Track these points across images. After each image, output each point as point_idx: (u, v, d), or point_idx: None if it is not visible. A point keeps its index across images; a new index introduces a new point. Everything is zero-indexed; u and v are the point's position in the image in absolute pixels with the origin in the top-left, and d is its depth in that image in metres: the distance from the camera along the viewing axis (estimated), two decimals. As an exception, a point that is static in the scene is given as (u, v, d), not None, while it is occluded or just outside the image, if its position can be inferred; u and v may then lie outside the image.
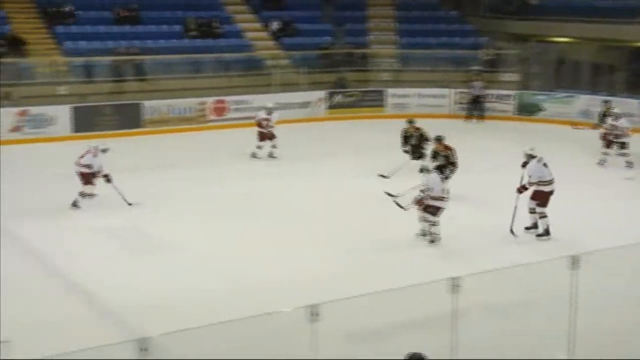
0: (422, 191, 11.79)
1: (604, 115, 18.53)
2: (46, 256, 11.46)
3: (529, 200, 12.38)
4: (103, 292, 10.04)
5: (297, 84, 23.72)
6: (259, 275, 10.65)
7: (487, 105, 23.47)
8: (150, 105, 21.28)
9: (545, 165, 12.37)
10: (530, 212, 12.41)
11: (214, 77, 23.20)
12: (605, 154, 17.16)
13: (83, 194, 13.92)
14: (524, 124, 22.53)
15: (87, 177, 13.89)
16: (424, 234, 11.97)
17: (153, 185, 15.48)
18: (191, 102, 21.76)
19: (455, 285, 7.22)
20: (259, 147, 17.96)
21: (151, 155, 18.44)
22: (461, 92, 23.69)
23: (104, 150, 14.16)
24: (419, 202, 11.78)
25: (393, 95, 24.12)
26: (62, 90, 21.30)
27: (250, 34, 25.10)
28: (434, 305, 8.01)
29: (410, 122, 16.40)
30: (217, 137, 18.84)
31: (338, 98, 23.78)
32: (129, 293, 10.02)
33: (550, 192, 12.33)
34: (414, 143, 16.00)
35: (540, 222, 12.33)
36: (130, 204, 13.99)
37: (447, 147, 14.18)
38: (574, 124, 19.83)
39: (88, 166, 13.89)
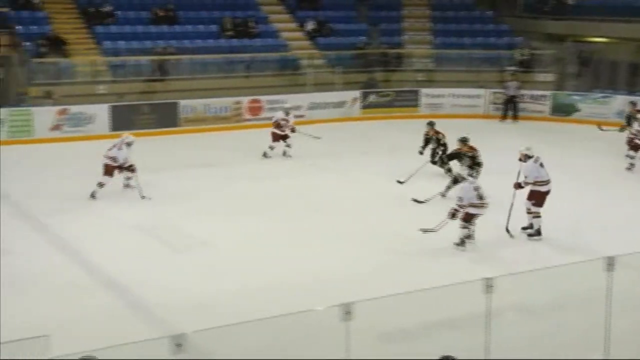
0: (459, 205, 11.70)
1: (630, 118, 18.16)
2: (82, 252, 11.58)
3: (526, 201, 12.38)
4: (138, 289, 10.17)
5: (331, 83, 23.79)
6: (292, 273, 10.71)
7: (522, 105, 23.32)
8: (187, 105, 21.44)
9: (542, 165, 12.38)
10: (528, 212, 12.41)
11: (250, 77, 23.35)
12: (632, 157, 16.71)
13: (101, 185, 14.38)
14: (559, 124, 22.38)
15: (109, 169, 14.40)
16: (459, 244, 11.82)
17: (188, 183, 15.66)
18: (227, 101, 21.90)
19: (489, 285, 7.20)
20: (271, 148, 18.05)
21: (187, 154, 18.59)
22: (496, 93, 23.58)
23: (129, 144, 14.60)
24: (453, 215, 11.70)
25: (427, 95, 24.08)
26: (101, 89, 21.55)
27: (285, 34, 25.21)
28: (468, 305, 7.96)
29: (431, 124, 16.34)
30: (252, 137, 18.98)
31: (372, 98, 23.80)
32: (163, 290, 10.14)
33: (547, 192, 12.35)
34: (433, 147, 16.05)
35: (533, 222, 12.36)
36: (143, 197, 14.35)
37: (472, 148, 14.21)
38: (599, 125, 19.36)
39: (113, 159, 14.41)
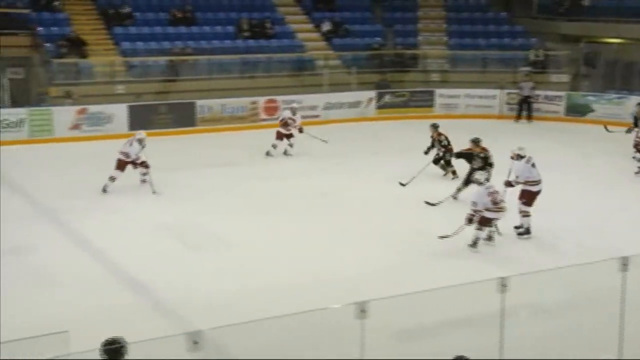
0: (473, 210, 11.68)
1: (637, 119, 18.11)
2: (102, 250, 11.70)
3: (517, 200, 12.46)
4: (156, 286, 10.29)
5: (347, 84, 23.96)
6: (308, 272, 10.78)
7: (537, 105, 23.36)
8: (204, 105, 21.65)
9: (533, 165, 12.45)
10: (519, 212, 12.51)
11: (266, 77, 23.55)
12: (639, 160, 16.45)
13: (112, 178, 14.81)
14: (574, 124, 22.41)
15: (121, 164, 14.85)
16: (472, 245, 11.80)
17: (205, 182, 15.80)
18: (243, 101, 22.08)
19: (503, 285, 7.20)
20: (274, 146, 18.28)
21: (204, 153, 18.75)
22: (510, 93, 23.65)
23: (140, 140, 15.00)
24: (469, 220, 11.68)
25: (442, 95, 24.19)
26: (120, 89, 21.80)
27: (301, 35, 25.40)
28: (482, 304, 8.02)
29: (434, 126, 16.39)
30: (268, 136, 19.12)
31: (387, 98, 23.94)
32: (181, 287, 10.25)
33: (537, 192, 12.44)
34: (437, 148, 16.12)
35: (522, 221, 12.42)
36: (154, 192, 14.74)
37: (484, 149, 14.24)
38: (606, 126, 19.13)
39: (125, 154, 14.85)
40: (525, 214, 12.42)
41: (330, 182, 15.92)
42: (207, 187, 15.40)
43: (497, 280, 7.19)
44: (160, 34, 23.78)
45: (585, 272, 9.00)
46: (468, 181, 13.86)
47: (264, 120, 22.24)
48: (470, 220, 11.64)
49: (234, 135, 20.56)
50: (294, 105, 19.06)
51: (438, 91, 24.27)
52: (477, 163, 13.97)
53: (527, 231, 12.39)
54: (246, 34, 24.56)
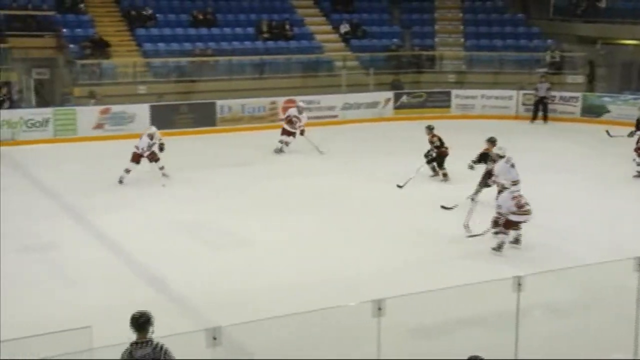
0: (498, 213, 11.61)
1: (639, 122, 18.02)
2: (125, 247, 11.83)
3: (495, 201, 12.41)
4: (176, 283, 10.37)
5: (365, 84, 24.21)
6: (324, 270, 10.85)
7: (553, 106, 23.44)
8: (224, 105, 21.88)
9: (512, 166, 12.46)
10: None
11: (285, 78, 23.83)
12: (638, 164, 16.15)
13: (127, 170, 15.49)
14: (589, 125, 22.39)
15: (135, 156, 15.62)
16: (496, 248, 11.62)
17: (225, 181, 15.99)
18: (263, 101, 22.28)
19: (518, 284, 7.24)
20: (282, 142, 18.66)
21: (224, 153, 18.91)
22: (526, 94, 23.78)
23: (150, 135, 15.71)
24: (495, 223, 11.60)
25: (458, 96, 24.37)
26: (142, 89, 22.12)
27: (320, 36, 25.68)
28: (497, 303, 8.10)
29: (429, 127, 16.36)
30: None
31: (404, 99, 24.14)
32: (201, 284, 10.34)
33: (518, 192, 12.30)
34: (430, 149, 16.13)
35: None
36: (163, 185, 15.38)
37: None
38: (607, 131, 18.77)
39: (137, 147, 15.63)
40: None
41: (345, 181, 16.00)
42: (224, 186, 15.57)
43: (512, 279, 7.27)
44: (182, 35, 24.09)
45: (599, 272, 9.10)
46: (485, 183, 13.79)
47: (283, 120, 22.40)
48: (496, 223, 11.57)
49: (253, 135, 20.67)
50: (301, 104, 19.32)
51: (455, 92, 24.45)
52: (493, 163, 13.75)
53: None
54: (266, 35, 24.84)
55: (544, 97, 23.32)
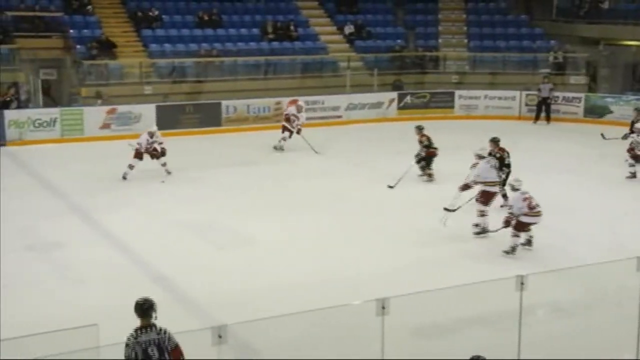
0: (510, 213, 11.61)
1: (633, 125, 17.75)
2: (131, 247, 11.89)
3: (475, 200, 12.60)
4: (182, 282, 10.43)
5: (369, 85, 24.34)
6: (327, 269, 10.91)
7: (556, 107, 23.51)
8: (230, 105, 21.97)
9: (493, 167, 12.57)
10: (477, 211, 12.58)
11: (290, 78, 23.99)
12: (632, 165, 16.18)
13: (130, 166, 15.93)
14: (592, 126, 22.36)
15: (137, 153, 16.03)
16: (509, 252, 11.59)
17: (231, 180, 16.08)
18: (268, 102, 22.36)
19: (521, 283, 7.25)
20: (284, 139, 18.97)
21: (229, 153, 19.01)
22: (529, 95, 23.85)
23: (150, 133, 16.23)
24: (507, 223, 11.57)
25: (462, 97, 24.46)
26: (148, 89, 22.24)
27: (325, 37, 25.83)
28: (500, 302, 8.18)
29: (419, 128, 16.45)
30: (296, 138, 19.40)
31: (408, 99, 24.23)
32: (206, 283, 10.38)
33: (496, 193, 12.60)
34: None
35: (479, 220, 12.47)
36: (162, 182, 15.82)
37: (502, 149, 14.01)
38: (602, 134, 18.60)
39: (138, 143, 16.09)
40: (482, 214, 12.45)
41: (349, 181, 16.09)
42: (229, 186, 15.66)
43: (515, 278, 7.28)
44: (188, 36, 24.25)
45: (602, 272, 9.19)
46: (503, 182, 13.76)
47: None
48: (507, 223, 11.55)
49: (258, 135, 20.71)
50: (300, 103, 19.49)
51: (458, 92, 24.56)
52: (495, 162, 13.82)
53: (484, 230, 12.40)
54: (271, 36, 24.98)
55: (547, 98, 23.36)
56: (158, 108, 21.07)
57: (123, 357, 6.41)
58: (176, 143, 18.88)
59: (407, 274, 10.69)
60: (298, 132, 18.98)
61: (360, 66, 25.17)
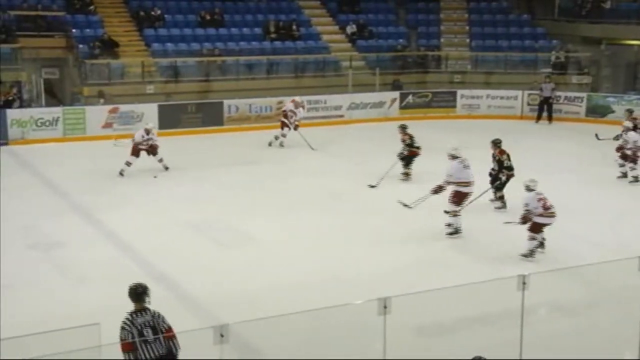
0: (527, 210, 11.40)
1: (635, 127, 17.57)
2: (133, 245, 11.91)
3: (448, 200, 12.54)
4: (184, 281, 10.46)
5: (371, 84, 24.34)
6: (330, 268, 10.91)
7: (558, 106, 23.52)
8: (232, 104, 21.98)
9: (466, 167, 12.51)
10: (449, 212, 12.56)
11: (292, 78, 24.02)
12: (622, 165, 16.20)
13: (128, 163, 16.09)
14: (594, 125, 22.39)
15: (133, 149, 16.22)
16: (527, 255, 11.43)
17: (233, 179, 16.09)
18: (270, 101, 22.34)
19: (523, 282, 7.26)
20: (283, 135, 19.21)
21: (231, 152, 19.04)
22: (531, 94, 23.87)
23: (147, 130, 16.40)
24: (524, 220, 11.43)
25: (464, 96, 24.47)
26: (150, 89, 22.26)
27: (327, 37, 25.86)
28: (502, 302, 8.17)
29: (402, 127, 16.45)
30: (294, 135, 19.51)
31: (410, 99, 24.23)
32: (209, 283, 10.39)
33: (468, 194, 12.50)
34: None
35: (451, 220, 12.43)
36: (155, 177, 16.01)
37: (502, 152, 13.93)
38: (597, 134, 18.59)
39: (133, 139, 16.32)
40: (455, 214, 12.43)
41: (350, 181, 16.07)
42: (231, 185, 15.68)
43: (517, 278, 7.30)
44: (190, 35, 24.28)
45: (604, 272, 9.25)
46: (497, 186, 13.89)
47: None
48: (524, 220, 11.42)
49: (260, 135, 20.69)
50: (297, 98, 19.67)
51: (460, 92, 24.57)
52: (495, 165, 14.00)
53: (457, 231, 12.38)
54: (273, 35, 25.00)
55: (549, 98, 23.37)
56: (160, 107, 21.10)
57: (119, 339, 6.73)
58: (178, 142, 19.00)
59: (407, 274, 10.72)
60: (295, 128, 19.11)
61: (362, 66, 25.20)
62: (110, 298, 9.58)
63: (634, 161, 16.08)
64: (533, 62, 25.56)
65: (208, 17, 24.84)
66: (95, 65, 22.09)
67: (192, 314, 9.61)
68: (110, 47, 22.51)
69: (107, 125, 20.60)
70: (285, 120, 19.26)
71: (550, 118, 23.39)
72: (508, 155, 13.93)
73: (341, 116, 23.17)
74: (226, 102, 22.08)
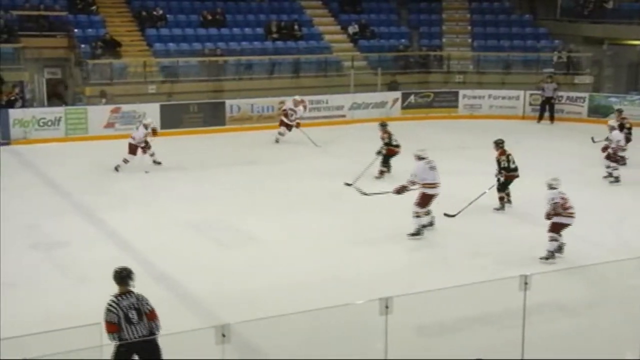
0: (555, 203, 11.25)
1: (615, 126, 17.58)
2: (134, 245, 11.88)
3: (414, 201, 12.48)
4: (186, 281, 10.44)
5: (373, 84, 24.38)
6: (330, 268, 10.90)
7: (560, 107, 23.55)
8: (233, 104, 22.01)
9: (432, 168, 12.46)
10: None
11: (294, 78, 24.06)
12: (608, 167, 16.20)
13: (125, 161, 16.20)
14: (596, 125, 22.46)
15: (131, 148, 16.31)
16: (548, 257, 11.26)
17: (234, 179, 16.10)
18: (272, 101, 22.36)
19: (525, 282, 7.27)
20: (280, 134, 19.47)
21: (232, 152, 19.06)
22: (533, 94, 23.89)
23: (145, 125, 16.46)
24: (548, 216, 11.26)
25: (466, 96, 24.49)
26: (152, 89, 22.30)
27: (329, 37, 25.88)
28: (504, 302, 8.19)
29: (382, 125, 16.50)
30: (295, 135, 19.53)
31: (412, 99, 24.25)
32: (210, 283, 10.38)
33: (433, 195, 12.41)
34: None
35: (413, 221, 12.34)
36: (146, 172, 16.20)
37: (503, 152, 13.83)
38: (592, 137, 18.22)
39: (133, 138, 16.32)
40: (418, 215, 12.37)
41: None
42: (233, 185, 15.70)
43: (519, 278, 7.30)
44: (192, 35, 24.31)
45: (606, 271, 9.34)
46: (497, 187, 13.87)
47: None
48: (549, 216, 11.27)
49: (262, 135, 20.75)
50: (296, 97, 19.81)
51: (462, 92, 24.59)
52: (496, 166, 13.95)
53: (417, 232, 12.32)
54: (275, 35, 25.03)
55: (551, 98, 23.41)
56: (162, 107, 21.13)
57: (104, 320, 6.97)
58: (179, 142, 19.04)
59: (408, 274, 10.73)
60: (297, 125, 19.16)
61: (364, 66, 25.22)
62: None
63: (616, 161, 16.12)
64: (535, 62, 25.59)
65: (210, 17, 24.87)
66: (97, 65, 22.14)
67: (192, 313, 9.61)
68: (112, 47, 22.54)
69: (109, 125, 20.62)
70: (285, 119, 19.29)
71: (552, 118, 23.41)
72: (508, 156, 13.86)
73: (343, 116, 23.19)
74: (228, 102, 22.12)
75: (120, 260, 11.01)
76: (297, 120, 19.40)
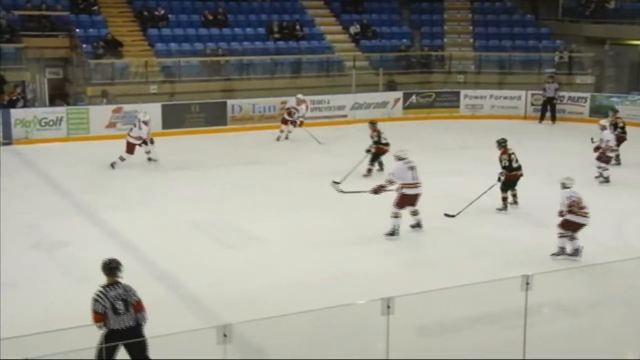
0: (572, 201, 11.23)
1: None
2: (136, 245, 11.89)
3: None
4: (187, 281, 10.44)
5: (374, 84, 24.38)
6: (331, 268, 10.91)
7: (562, 107, 23.51)
8: (235, 104, 22.03)
9: (411, 168, 12.40)
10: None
11: (296, 78, 24.05)
12: (599, 167, 16.17)
13: (122, 159, 16.27)
14: (598, 126, 22.48)
15: (129, 146, 16.33)
16: (559, 253, 11.24)
17: (236, 179, 16.13)
18: (273, 101, 22.36)
19: (526, 282, 7.27)
20: (282, 131, 19.59)
21: (234, 152, 19.07)
22: (535, 94, 23.88)
23: (145, 122, 16.46)
24: (561, 213, 11.24)
25: (467, 96, 24.47)
26: (154, 89, 22.30)
27: (330, 37, 25.88)
28: (506, 302, 8.25)
29: (372, 123, 16.54)
30: (297, 135, 19.53)
31: (413, 99, 24.24)
32: (212, 283, 10.38)
33: (413, 196, 12.36)
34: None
35: (390, 221, 12.31)
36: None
37: (504, 152, 13.79)
38: (592, 138, 17.94)
39: (137, 138, 16.39)
40: (395, 215, 12.32)
41: (352, 180, 15.87)
42: (234, 185, 15.70)
43: (521, 278, 7.31)
44: (193, 35, 24.32)
45: (608, 271, 9.42)
46: (501, 187, 13.84)
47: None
48: (562, 213, 11.21)
49: (264, 134, 20.77)
50: (299, 95, 19.86)
51: (463, 92, 24.56)
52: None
53: (393, 232, 12.30)
54: (276, 35, 25.03)
55: (553, 98, 23.39)
56: (163, 107, 21.14)
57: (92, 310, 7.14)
58: (181, 142, 19.04)
59: (408, 274, 10.74)
60: (300, 124, 19.22)
61: (366, 66, 25.21)
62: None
63: (606, 161, 16.10)
64: (537, 62, 25.58)
65: (211, 17, 24.88)
66: (99, 65, 22.17)
67: (192, 313, 9.62)
68: (113, 47, 22.56)
69: (111, 125, 20.61)
70: (287, 118, 19.37)
71: (553, 118, 23.40)
72: (510, 156, 13.81)
73: (344, 116, 23.18)
74: (229, 102, 22.13)
75: (120, 260, 11.10)
76: (301, 119, 19.38)
